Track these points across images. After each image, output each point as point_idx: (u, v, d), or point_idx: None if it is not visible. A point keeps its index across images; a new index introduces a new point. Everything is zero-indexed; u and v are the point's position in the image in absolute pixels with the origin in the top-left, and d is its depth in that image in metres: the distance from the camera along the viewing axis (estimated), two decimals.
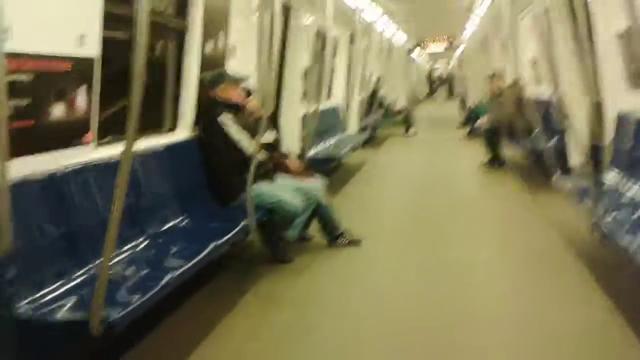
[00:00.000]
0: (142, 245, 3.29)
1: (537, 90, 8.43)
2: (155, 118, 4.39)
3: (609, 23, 4.59)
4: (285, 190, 4.34)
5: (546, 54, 3.82)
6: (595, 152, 5.67)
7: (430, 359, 2.89)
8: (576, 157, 5.21)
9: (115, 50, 3.80)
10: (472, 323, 3.26)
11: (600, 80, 5.09)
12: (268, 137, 4.69)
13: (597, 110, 5.32)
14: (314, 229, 4.76)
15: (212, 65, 4.56)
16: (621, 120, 4.67)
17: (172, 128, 4.43)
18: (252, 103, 4.92)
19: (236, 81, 4.44)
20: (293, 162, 4.97)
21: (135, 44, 2.12)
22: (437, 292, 3.75)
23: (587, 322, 3.17)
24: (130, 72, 2.13)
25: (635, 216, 3.62)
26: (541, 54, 4.83)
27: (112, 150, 3.33)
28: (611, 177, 4.56)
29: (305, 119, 6.73)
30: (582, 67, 5.43)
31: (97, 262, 2.82)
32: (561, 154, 5.99)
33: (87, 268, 2.83)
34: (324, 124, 8.61)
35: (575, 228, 4.49)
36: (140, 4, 2.08)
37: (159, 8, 4.14)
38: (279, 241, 4.35)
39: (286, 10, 6.23)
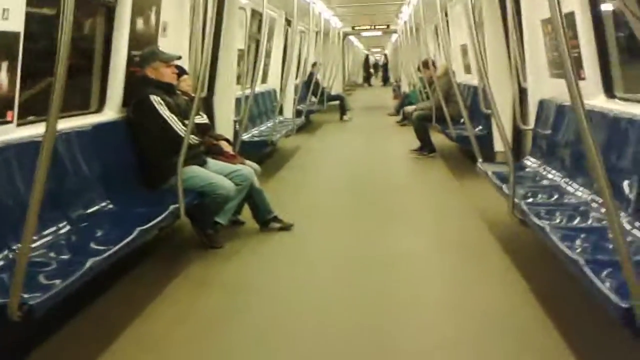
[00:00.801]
0: (64, 230, 3.19)
1: (465, 77, 8.69)
2: (81, 97, 4.25)
3: (535, 9, 4.76)
4: (217, 174, 4.30)
5: (475, 40, 3.93)
6: (518, 138, 5.92)
7: (356, 340, 2.94)
8: (500, 143, 5.41)
9: (40, 25, 3.65)
10: (396, 308, 3.32)
11: (525, 66, 5.29)
12: (200, 119, 4.64)
13: (522, 96, 5.55)
14: (246, 213, 4.74)
15: (143, 43, 4.44)
16: (543, 106, 4.88)
17: (99, 108, 4.29)
18: (185, 83, 4.84)
19: (168, 60, 4.33)
20: (225, 146, 4.93)
21: (61, 19, 2.05)
22: (364, 277, 3.80)
23: (504, 304, 3.29)
24: (55, 49, 2.06)
25: (552, 199, 3.81)
26: (470, 40, 4.98)
27: (34, 130, 3.22)
28: (532, 162, 4.78)
29: (239, 102, 6.67)
30: (509, 53, 5.64)
31: (17, 245, 2.72)
32: (486, 140, 6.22)
33: (6, 252, 2.73)
34: (259, 107, 8.59)
35: (497, 212, 4.68)
36: None
37: None
38: (210, 226, 4.31)
39: None
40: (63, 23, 2.05)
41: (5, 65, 2.95)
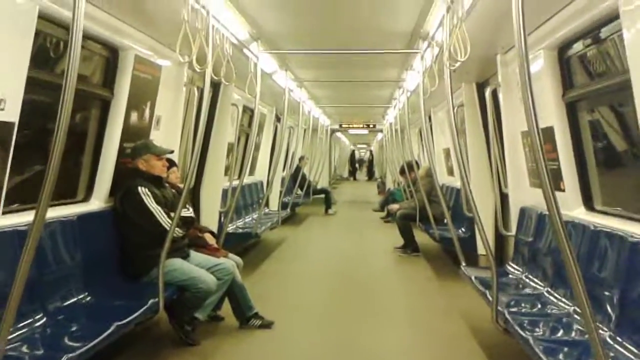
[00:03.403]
0: (40, 322, 3.11)
1: (448, 179, 8.88)
2: (69, 186, 4.26)
3: (515, 121, 4.95)
4: (199, 268, 4.26)
5: (456, 146, 4.07)
6: (500, 243, 5.98)
7: None
8: (482, 246, 5.45)
9: (32, 114, 3.70)
10: None
11: (506, 173, 5.43)
12: (186, 212, 4.65)
13: (503, 201, 5.66)
14: (226, 308, 4.66)
15: (135, 135, 4.52)
16: (524, 213, 4.96)
17: (86, 197, 4.29)
18: (174, 175, 4.90)
19: (160, 153, 4.40)
20: (210, 238, 4.92)
21: (59, 111, 2.10)
22: None
23: None
24: (48, 138, 2.10)
25: (535, 309, 3.80)
26: (452, 146, 5.15)
27: (19, 219, 3.21)
28: (514, 268, 4.80)
29: (226, 193, 6.73)
30: (490, 160, 5.81)
31: None
32: (470, 241, 6.27)
33: None
34: (245, 199, 8.65)
35: (480, 317, 4.64)
36: (68, 72, 2.08)
37: (85, 73, 4.11)
38: (188, 321, 4.21)
39: (215, 86, 6.34)
40: (61, 113, 2.10)
41: None
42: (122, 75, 4.29)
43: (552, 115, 4.15)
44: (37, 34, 3.12)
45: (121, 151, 4.38)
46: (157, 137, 4.77)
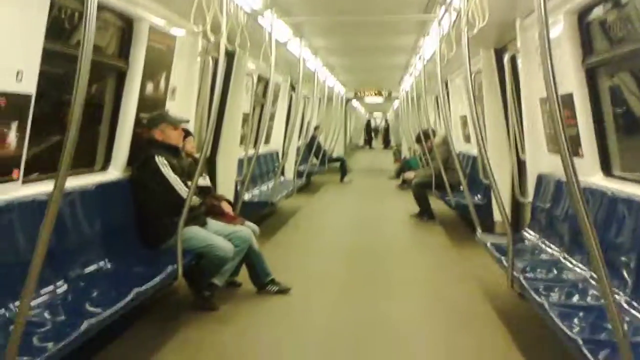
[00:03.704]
0: (61, 289, 3.18)
1: (465, 146, 8.82)
2: (87, 156, 4.30)
3: (534, 87, 4.88)
4: (216, 235, 4.32)
5: (474, 113, 4.02)
6: (517, 210, 5.96)
7: None
8: (499, 213, 5.43)
9: (49, 85, 3.73)
10: None
11: (524, 140, 5.38)
12: (203, 181, 4.69)
13: (520, 168, 5.62)
14: (243, 275, 4.73)
15: (151, 106, 4.54)
16: (541, 180, 4.93)
17: (104, 167, 4.35)
18: (190, 145, 4.93)
19: (176, 123, 4.42)
20: (226, 207, 4.97)
21: (76, 81, 2.12)
22: (361, 345, 3.77)
23: None
24: (65, 109, 2.12)
25: (551, 275, 3.81)
26: (469, 113, 5.10)
27: (38, 188, 3.26)
28: (531, 235, 4.79)
29: (242, 162, 6.76)
30: (507, 127, 5.75)
31: (13, 305, 2.72)
32: (486, 208, 6.25)
33: (3, 311, 2.71)
34: (261, 168, 8.68)
35: (496, 283, 4.66)
36: (84, 43, 2.09)
37: (101, 44, 4.12)
38: (207, 287, 4.29)
39: (230, 56, 6.32)
40: (77, 84, 2.12)
41: (15, 125, 3.01)
42: (137, 45, 4.28)
43: (572, 81, 4.08)
44: (52, 5, 3.13)
45: (138, 121, 4.40)
46: (173, 108, 4.79)
